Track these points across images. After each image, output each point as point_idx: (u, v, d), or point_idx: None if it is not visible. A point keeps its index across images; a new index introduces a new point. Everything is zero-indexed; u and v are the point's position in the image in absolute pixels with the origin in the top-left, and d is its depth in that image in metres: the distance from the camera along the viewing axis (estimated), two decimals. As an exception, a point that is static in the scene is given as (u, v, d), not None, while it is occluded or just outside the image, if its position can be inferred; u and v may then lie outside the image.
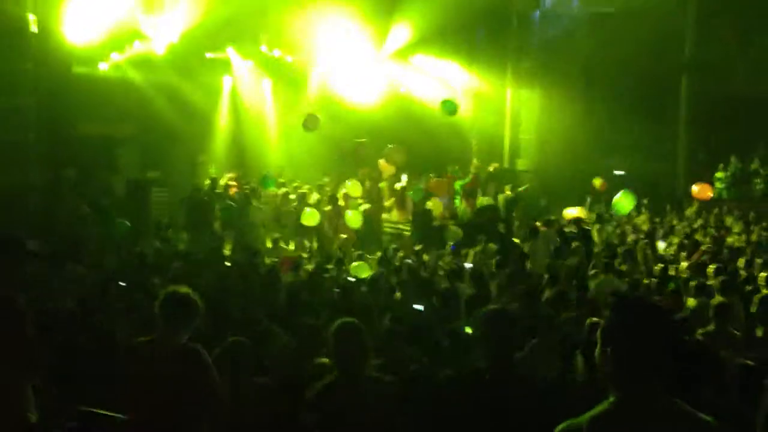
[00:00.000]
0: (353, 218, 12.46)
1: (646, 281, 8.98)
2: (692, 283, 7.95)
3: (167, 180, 14.97)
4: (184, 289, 3.88)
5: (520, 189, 15.61)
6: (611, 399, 2.08)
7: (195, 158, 16.11)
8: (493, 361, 3.26)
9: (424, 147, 17.12)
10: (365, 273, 10.30)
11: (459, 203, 14.93)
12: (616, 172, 18.11)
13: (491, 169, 16.42)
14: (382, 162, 15.00)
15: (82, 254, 10.36)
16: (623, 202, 11.07)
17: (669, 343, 2.12)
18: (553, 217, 14.62)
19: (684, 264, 9.23)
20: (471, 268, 10.41)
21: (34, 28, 12.32)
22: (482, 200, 14.43)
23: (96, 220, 12.60)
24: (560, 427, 2.09)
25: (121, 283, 8.12)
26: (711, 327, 5.71)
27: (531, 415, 3.14)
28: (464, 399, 3.20)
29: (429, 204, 13.80)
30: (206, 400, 3.70)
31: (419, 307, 7.45)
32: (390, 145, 14.31)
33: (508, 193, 15.22)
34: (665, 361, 2.07)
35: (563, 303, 7.65)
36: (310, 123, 13.48)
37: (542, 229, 12.03)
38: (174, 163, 15.65)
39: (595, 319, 6.73)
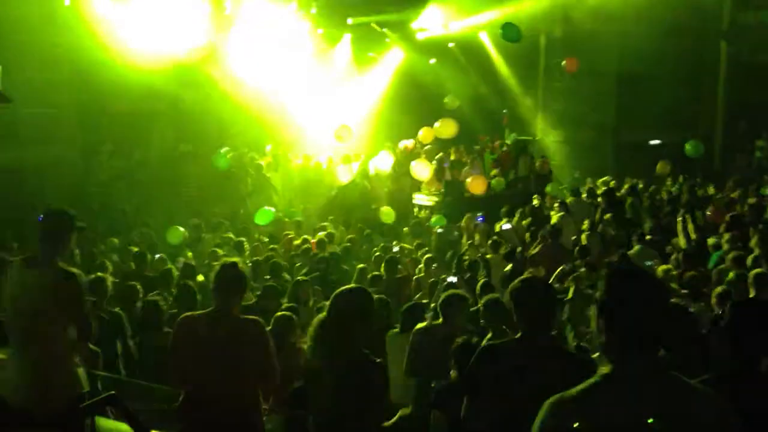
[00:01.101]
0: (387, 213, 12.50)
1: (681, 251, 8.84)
2: (731, 255, 7.79)
3: (199, 153, 15.04)
4: (233, 260, 3.95)
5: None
6: (604, 371, 2.04)
7: (225, 132, 16.08)
8: (526, 330, 3.23)
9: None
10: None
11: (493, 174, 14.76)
12: (652, 142, 17.75)
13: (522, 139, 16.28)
14: (423, 132, 14.89)
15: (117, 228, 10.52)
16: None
17: (664, 315, 2.07)
18: (584, 189, 14.45)
19: (726, 236, 9.02)
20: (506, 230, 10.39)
21: (67, 1, 12.39)
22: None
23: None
24: (550, 400, 2.05)
25: (158, 255, 8.25)
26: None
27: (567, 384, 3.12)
28: (498, 368, 3.18)
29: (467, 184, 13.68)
30: (266, 368, 3.77)
31: (452, 279, 7.46)
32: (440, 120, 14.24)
33: (539, 165, 15.06)
34: (660, 332, 2.03)
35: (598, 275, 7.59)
36: (342, 133, 13.78)
37: (570, 200, 11.95)
38: (205, 136, 15.69)
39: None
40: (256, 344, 3.75)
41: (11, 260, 4.24)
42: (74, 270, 4.06)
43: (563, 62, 15.74)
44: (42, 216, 4.12)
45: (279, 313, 5.54)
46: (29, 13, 11.90)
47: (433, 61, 18.66)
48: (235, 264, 3.87)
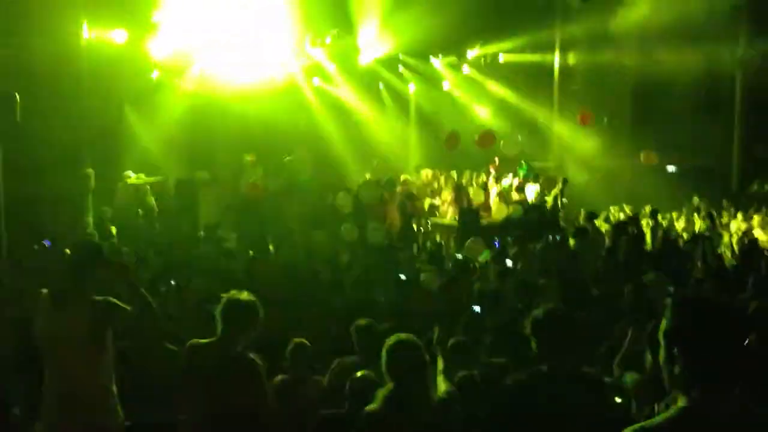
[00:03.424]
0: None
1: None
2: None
3: (215, 180, 15.07)
4: (245, 296, 3.79)
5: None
6: (679, 405, 1.96)
7: (242, 158, 16.06)
8: (552, 362, 3.19)
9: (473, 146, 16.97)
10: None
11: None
12: (668, 169, 17.62)
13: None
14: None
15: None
16: None
17: (741, 345, 2.00)
18: (601, 216, 14.31)
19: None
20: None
21: (86, 35, 12.57)
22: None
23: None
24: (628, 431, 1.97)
25: (172, 282, 8.23)
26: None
27: (597, 415, 3.10)
28: (528, 402, 3.15)
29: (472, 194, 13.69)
30: (258, 409, 3.70)
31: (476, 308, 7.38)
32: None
33: (557, 190, 14.97)
34: (738, 363, 1.94)
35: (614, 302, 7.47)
36: (452, 141, 13.84)
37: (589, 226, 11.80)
38: (221, 163, 15.78)
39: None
40: (249, 384, 3.67)
41: (41, 294, 4.22)
42: (109, 299, 4.03)
43: (578, 117, 15.94)
44: (70, 250, 4.18)
45: (296, 340, 5.43)
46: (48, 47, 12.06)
47: (447, 87, 18.71)
48: (237, 299, 3.75)
